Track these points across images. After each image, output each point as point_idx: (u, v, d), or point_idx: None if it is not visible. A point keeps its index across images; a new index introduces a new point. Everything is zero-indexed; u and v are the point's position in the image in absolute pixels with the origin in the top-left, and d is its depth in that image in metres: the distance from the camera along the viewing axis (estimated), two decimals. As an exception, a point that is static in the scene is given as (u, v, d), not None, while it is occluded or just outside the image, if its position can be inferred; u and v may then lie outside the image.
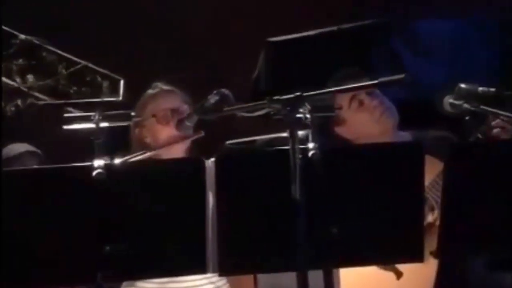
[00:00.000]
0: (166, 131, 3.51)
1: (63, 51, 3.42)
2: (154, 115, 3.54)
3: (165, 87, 3.63)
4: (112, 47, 4.93)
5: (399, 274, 3.24)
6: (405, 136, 3.57)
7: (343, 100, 3.46)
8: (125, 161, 3.17)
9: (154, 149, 3.46)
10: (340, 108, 3.38)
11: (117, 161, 2.83)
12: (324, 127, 2.98)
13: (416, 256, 2.78)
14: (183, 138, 3.46)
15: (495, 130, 3.10)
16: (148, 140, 3.55)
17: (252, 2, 5.13)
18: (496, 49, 5.08)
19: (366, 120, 3.52)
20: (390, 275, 3.23)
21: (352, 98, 3.50)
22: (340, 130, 3.57)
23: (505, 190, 2.80)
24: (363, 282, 3.21)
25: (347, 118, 3.54)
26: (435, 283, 3.25)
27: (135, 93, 3.60)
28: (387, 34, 4.99)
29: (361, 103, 3.52)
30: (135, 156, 3.35)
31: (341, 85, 2.98)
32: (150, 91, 3.64)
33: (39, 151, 3.58)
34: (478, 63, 5.05)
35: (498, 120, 3.09)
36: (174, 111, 3.53)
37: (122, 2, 5.09)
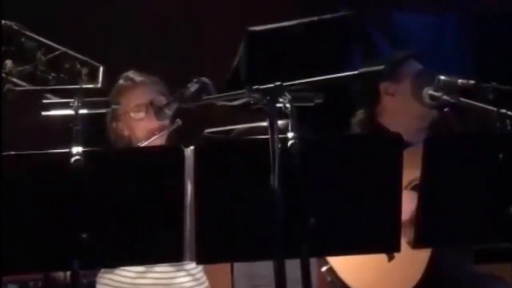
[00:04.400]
0: (143, 125, 3.45)
1: (42, 37, 3.39)
2: (127, 112, 3.49)
3: (137, 78, 3.52)
4: (91, 33, 4.91)
5: (391, 257, 3.25)
6: None
7: None
8: (104, 148, 3.16)
9: (133, 143, 3.42)
10: None
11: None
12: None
13: (393, 247, 2.79)
14: (160, 130, 3.43)
15: None
16: (126, 133, 3.50)
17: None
18: (472, 43, 5.11)
19: None
20: (382, 256, 3.24)
21: None
22: None
23: (482, 181, 2.82)
24: (354, 261, 3.22)
25: None
26: (427, 267, 3.27)
27: (114, 80, 3.57)
28: (367, 25, 5.00)
29: None
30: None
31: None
32: (121, 83, 3.53)
33: None
34: (454, 56, 5.07)
35: None
36: (148, 105, 3.47)
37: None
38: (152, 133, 3.43)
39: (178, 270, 3.43)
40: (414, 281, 3.28)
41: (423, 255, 3.26)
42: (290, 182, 2.61)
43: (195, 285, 3.47)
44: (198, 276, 3.48)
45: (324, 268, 3.40)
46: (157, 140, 3.45)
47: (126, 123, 3.49)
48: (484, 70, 4.85)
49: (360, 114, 3.62)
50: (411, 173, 2.80)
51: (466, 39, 5.13)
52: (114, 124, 3.51)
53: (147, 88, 3.51)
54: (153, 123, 3.38)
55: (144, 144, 3.40)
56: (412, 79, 3.49)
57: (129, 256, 2.74)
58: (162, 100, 3.40)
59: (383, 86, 3.54)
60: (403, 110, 3.52)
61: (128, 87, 3.52)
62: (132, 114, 3.47)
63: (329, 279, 3.39)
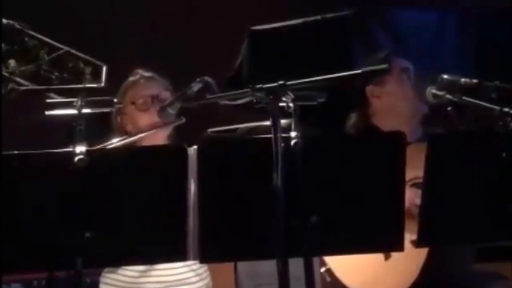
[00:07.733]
0: (146, 118, 3.51)
1: (45, 36, 3.40)
2: (133, 102, 3.54)
3: (145, 74, 3.63)
4: (94, 33, 4.91)
5: (387, 255, 3.26)
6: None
7: None
8: (107, 147, 3.17)
9: (134, 136, 3.45)
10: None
11: (99, 147, 2.82)
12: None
13: (396, 246, 2.80)
14: (163, 125, 3.46)
15: None
16: (129, 127, 3.55)
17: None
18: (472, 41, 5.11)
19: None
20: (379, 255, 3.26)
21: None
22: None
23: (484, 180, 2.82)
24: (351, 261, 3.23)
25: None
26: (424, 265, 3.27)
27: (117, 79, 3.59)
28: (368, 24, 5.00)
29: None
30: (115, 143, 3.35)
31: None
32: (130, 78, 3.63)
33: None
34: (454, 54, 5.08)
35: None
36: (154, 97, 3.53)
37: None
38: (155, 126, 3.46)
39: (180, 266, 3.44)
40: (412, 279, 3.29)
41: (420, 253, 3.26)
42: (292, 181, 2.62)
43: (198, 281, 3.50)
44: (200, 271, 3.50)
45: (322, 269, 3.41)
46: (159, 135, 3.48)
47: (130, 115, 3.53)
48: (484, 68, 4.86)
49: (353, 117, 3.66)
50: (409, 171, 2.80)
51: (467, 37, 5.13)
52: (118, 118, 3.56)
53: (155, 82, 3.61)
54: (157, 117, 3.40)
55: (144, 136, 3.42)
56: (414, 82, 3.55)
57: (132, 256, 2.74)
58: (168, 95, 3.47)
59: (369, 89, 3.60)
60: (391, 110, 3.57)
61: (137, 80, 3.62)
62: (138, 104, 3.51)
63: (328, 279, 3.40)
